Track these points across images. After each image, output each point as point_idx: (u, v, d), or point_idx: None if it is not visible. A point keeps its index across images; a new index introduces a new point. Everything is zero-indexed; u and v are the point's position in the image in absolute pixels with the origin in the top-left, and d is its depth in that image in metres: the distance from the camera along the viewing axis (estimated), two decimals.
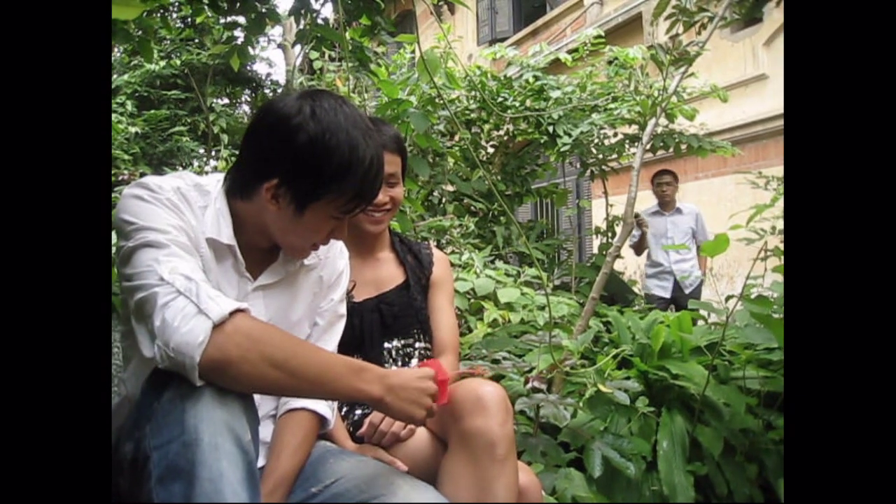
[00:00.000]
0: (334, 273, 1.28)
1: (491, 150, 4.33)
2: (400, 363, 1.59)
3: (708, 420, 2.04)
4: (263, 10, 2.87)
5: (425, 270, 1.71)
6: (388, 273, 1.66)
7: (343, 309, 1.33)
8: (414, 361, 1.61)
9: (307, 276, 1.23)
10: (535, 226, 4.33)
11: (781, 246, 2.78)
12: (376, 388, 0.99)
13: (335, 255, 1.29)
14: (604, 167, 4.26)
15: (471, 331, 2.84)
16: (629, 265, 5.66)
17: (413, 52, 3.80)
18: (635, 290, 4.33)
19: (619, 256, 2.36)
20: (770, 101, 5.13)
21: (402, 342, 1.61)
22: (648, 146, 3.92)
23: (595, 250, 4.65)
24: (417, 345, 1.63)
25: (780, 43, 5.55)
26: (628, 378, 2.27)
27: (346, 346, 1.49)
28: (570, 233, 5.37)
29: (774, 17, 5.37)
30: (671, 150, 3.78)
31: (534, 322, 2.83)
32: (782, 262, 2.07)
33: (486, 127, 3.95)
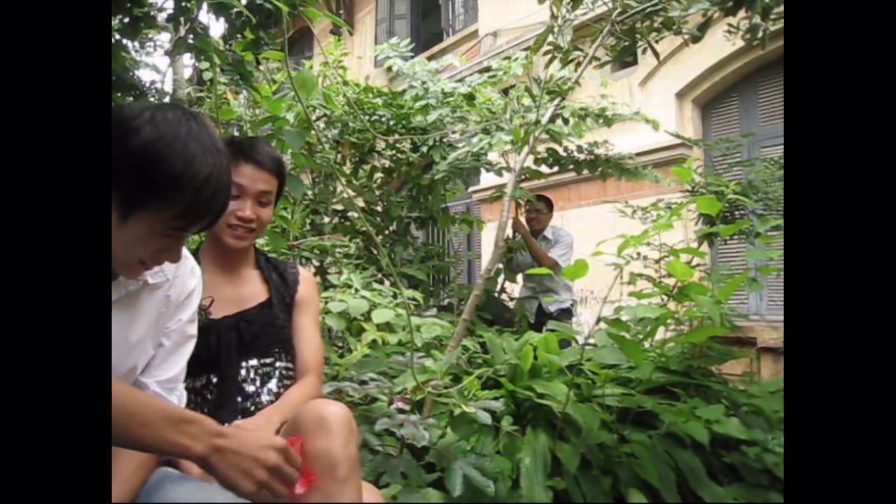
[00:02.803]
0: (184, 292, 1.24)
1: (392, 170, 4.33)
2: (259, 382, 1.55)
3: (568, 436, 2.13)
4: (138, 14, 2.74)
5: (290, 289, 1.68)
6: (250, 290, 1.62)
7: (193, 329, 1.28)
8: (273, 381, 1.57)
9: (151, 295, 1.18)
10: (429, 249, 4.37)
11: (643, 271, 2.97)
12: (199, 445, 0.91)
13: (185, 274, 1.25)
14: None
15: (351, 352, 2.82)
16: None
17: (311, 67, 3.74)
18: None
19: (490, 278, 2.42)
20: (643, 137, 5.48)
21: (262, 361, 1.56)
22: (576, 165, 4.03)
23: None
24: (278, 364, 1.59)
25: (652, 84, 5.96)
26: (499, 398, 2.34)
27: (201, 365, 1.44)
28: (462, 256, 5.48)
29: (647, 60, 5.77)
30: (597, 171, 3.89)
31: (413, 343, 2.85)
32: (652, 286, 2.20)
33: (374, 146, 3.96)
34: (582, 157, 3.88)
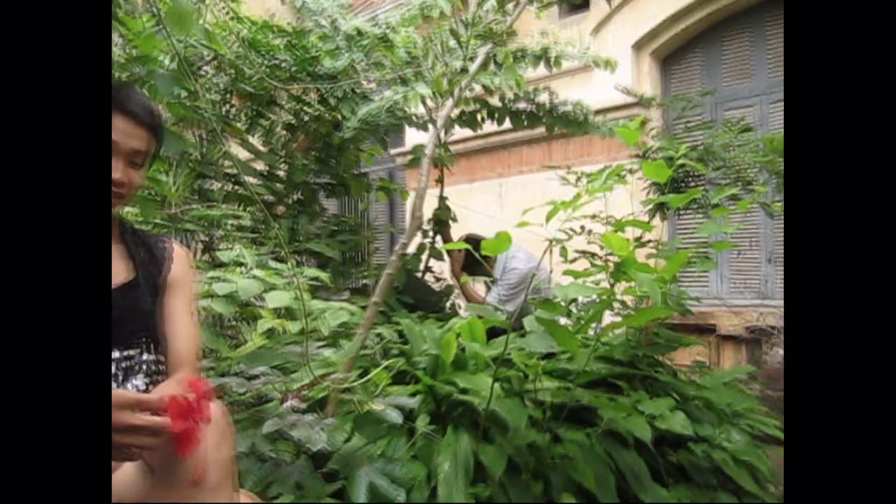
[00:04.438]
0: None
1: (297, 127, 4.24)
2: (121, 378, 1.51)
3: (494, 437, 2.18)
4: None
5: (159, 267, 1.64)
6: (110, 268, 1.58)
7: None
8: (139, 378, 1.54)
9: None
10: (341, 221, 4.32)
11: (588, 248, 3.04)
12: None
13: None
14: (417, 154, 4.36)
15: (246, 343, 2.79)
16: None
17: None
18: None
19: (407, 255, 2.43)
20: (597, 92, 5.59)
21: (124, 353, 1.52)
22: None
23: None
24: (145, 357, 1.56)
25: (606, 33, 6.07)
26: (416, 394, 2.37)
27: None
28: (382, 230, 5.46)
29: (601, 5, 5.86)
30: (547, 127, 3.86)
31: (318, 332, 2.84)
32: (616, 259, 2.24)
33: (275, 97, 3.87)
34: (520, 106, 3.87)
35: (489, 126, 4.11)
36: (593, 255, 3.12)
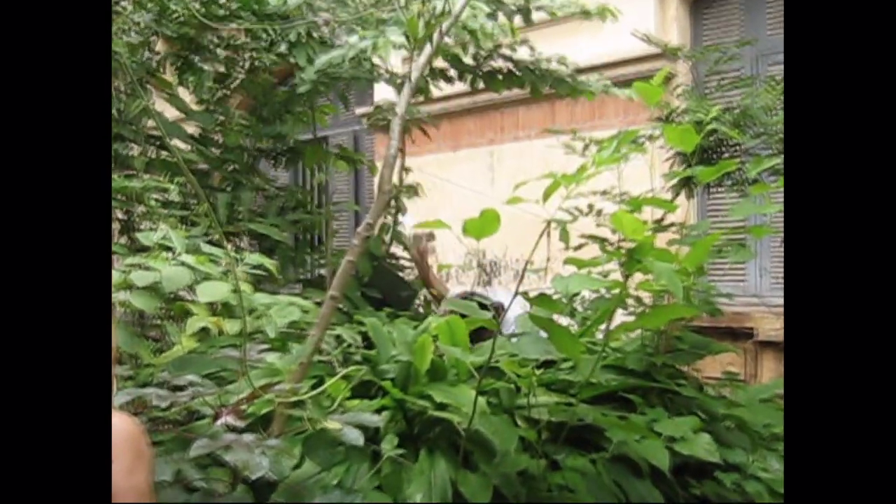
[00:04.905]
0: None
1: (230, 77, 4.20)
2: None
3: (476, 463, 2.19)
4: None
5: None
6: None
7: None
8: None
9: None
10: (292, 196, 4.28)
11: (597, 231, 3.06)
12: None
13: None
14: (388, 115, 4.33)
15: (172, 346, 2.78)
16: (447, 252, 5.89)
17: None
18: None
19: (369, 238, 2.43)
20: (610, 42, 5.58)
21: None
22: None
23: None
24: None
25: None
26: (381, 410, 2.38)
27: None
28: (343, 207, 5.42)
29: None
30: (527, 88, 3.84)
31: (261, 333, 2.83)
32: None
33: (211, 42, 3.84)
34: (496, 64, 3.87)
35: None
36: (603, 240, 3.14)
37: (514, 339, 2.63)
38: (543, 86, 3.86)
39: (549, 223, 1.95)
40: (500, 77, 3.89)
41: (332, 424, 1.90)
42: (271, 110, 3.96)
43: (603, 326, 2.92)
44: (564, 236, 2.10)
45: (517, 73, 3.85)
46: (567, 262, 2.12)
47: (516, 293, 2.02)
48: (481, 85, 3.99)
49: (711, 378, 3.31)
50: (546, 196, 2.06)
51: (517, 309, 3.19)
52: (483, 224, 1.85)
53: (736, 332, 4.91)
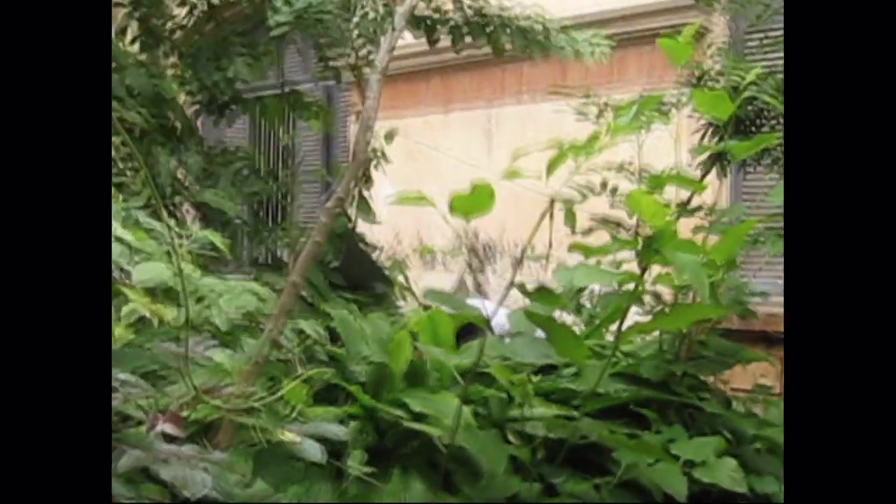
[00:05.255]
0: None
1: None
2: None
3: (459, 484, 2.18)
4: None
5: None
6: None
7: None
8: None
9: None
10: (244, 159, 4.24)
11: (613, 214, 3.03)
12: None
13: None
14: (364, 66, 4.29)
15: None
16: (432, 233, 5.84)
17: None
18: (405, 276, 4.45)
19: (343, 213, 2.40)
20: None
21: None
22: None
23: None
24: None
25: None
26: (347, 419, 2.35)
27: None
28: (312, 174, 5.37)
29: None
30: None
31: (209, 324, 2.81)
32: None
33: None
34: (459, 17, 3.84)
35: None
36: (617, 224, 3.12)
37: (507, 340, 2.61)
38: (518, 45, 3.84)
39: (552, 202, 1.93)
40: (464, 31, 3.89)
41: (288, 436, 1.88)
42: (217, 53, 3.91)
43: (614, 327, 2.91)
44: (570, 218, 2.07)
45: (484, 28, 3.84)
46: (572, 248, 2.09)
47: (510, 286, 1.99)
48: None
49: (740, 390, 3.29)
50: (550, 169, 2.04)
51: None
52: (474, 201, 1.84)
53: (770, 338, 4.87)
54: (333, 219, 2.35)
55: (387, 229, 5.00)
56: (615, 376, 2.68)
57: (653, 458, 2.28)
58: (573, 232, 2.26)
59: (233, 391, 1.91)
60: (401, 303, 4.14)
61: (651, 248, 1.87)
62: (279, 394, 2.01)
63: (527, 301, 2.14)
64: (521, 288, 1.98)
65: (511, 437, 2.38)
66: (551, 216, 1.93)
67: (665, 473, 2.26)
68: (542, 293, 1.98)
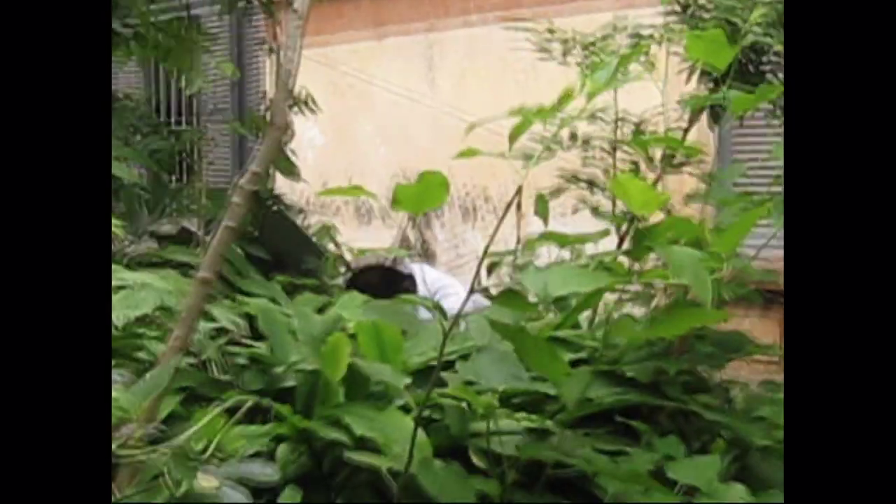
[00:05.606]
0: None
1: None
2: None
3: None
4: None
5: None
6: None
7: None
8: None
9: None
10: (141, 112, 4.19)
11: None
12: None
13: None
14: None
15: None
16: (368, 178, 5.79)
17: None
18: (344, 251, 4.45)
19: (256, 193, 2.37)
20: None
21: None
22: None
23: None
24: None
25: None
26: (272, 444, 2.31)
27: None
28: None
29: None
30: None
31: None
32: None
33: None
34: None
35: None
36: (590, 182, 3.10)
37: (463, 326, 2.58)
38: None
39: (519, 188, 1.89)
40: None
41: (204, 482, 1.85)
42: None
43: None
44: (542, 208, 2.05)
45: None
46: (541, 241, 2.06)
47: (472, 289, 1.96)
48: None
49: (749, 370, 3.31)
50: (512, 139, 2.04)
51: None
52: (423, 193, 1.83)
53: (767, 297, 4.90)
54: (249, 199, 2.30)
55: (313, 176, 4.95)
56: (596, 377, 2.64)
57: (643, 487, 2.26)
58: (546, 225, 2.23)
59: (131, 431, 1.86)
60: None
61: (641, 244, 1.85)
62: (192, 433, 1.97)
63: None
64: (486, 292, 1.95)
65: (475, 458, 2.36)
66: (518, 206, 1.89)
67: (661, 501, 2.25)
68: (509, 296, 1.95)
